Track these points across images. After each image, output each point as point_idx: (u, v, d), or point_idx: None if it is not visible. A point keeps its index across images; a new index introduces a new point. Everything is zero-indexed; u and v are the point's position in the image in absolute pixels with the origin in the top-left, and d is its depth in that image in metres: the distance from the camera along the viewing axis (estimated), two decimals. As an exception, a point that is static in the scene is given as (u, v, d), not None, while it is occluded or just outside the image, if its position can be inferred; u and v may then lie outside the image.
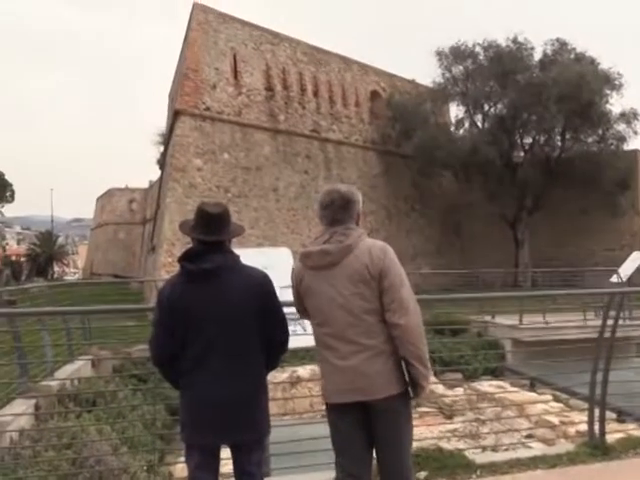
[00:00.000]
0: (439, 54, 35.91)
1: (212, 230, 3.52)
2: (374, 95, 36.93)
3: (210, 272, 3.46)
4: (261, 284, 3.58)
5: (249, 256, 3.96)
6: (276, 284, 4.39)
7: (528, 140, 35.90)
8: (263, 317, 3.54)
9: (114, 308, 7.16)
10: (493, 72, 34.04)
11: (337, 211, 3.54)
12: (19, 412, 7.46)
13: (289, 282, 3.93)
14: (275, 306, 3.64)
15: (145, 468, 6.50)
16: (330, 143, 33.45)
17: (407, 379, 3.44)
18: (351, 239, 3.46)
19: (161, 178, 36.20)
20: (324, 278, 3.48)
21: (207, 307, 3.45)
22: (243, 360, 3.49)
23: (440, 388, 12.28)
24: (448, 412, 12.00)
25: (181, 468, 6.87)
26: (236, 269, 3.55)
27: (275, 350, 3.69)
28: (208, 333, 3.45)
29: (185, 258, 3.54)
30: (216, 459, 3.58)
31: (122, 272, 50.91)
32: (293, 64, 32.34)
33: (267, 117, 30.58)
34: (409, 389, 3.46)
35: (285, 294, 4.23)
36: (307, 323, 5.21)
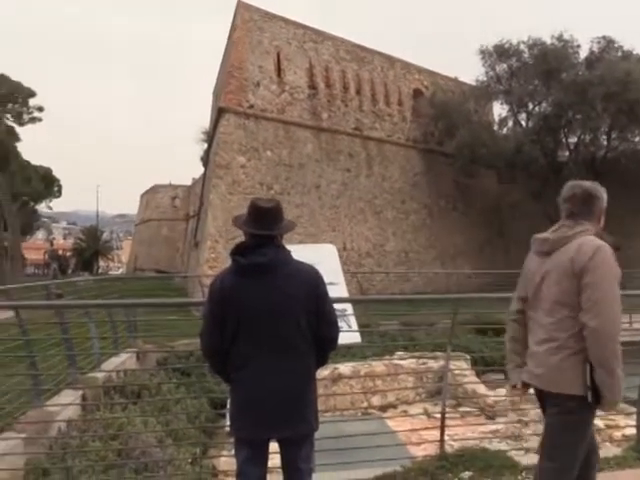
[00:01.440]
0: (483, 52, 35.51)
1: (264, 224, 3.53)
2: (417, 93, 36.73)
3: (262, 266, 3.47)
4: (312, 279, 3.59)
5: (294, 252, 3.98)
6: (322, 280, 4.41)
7: (573, 139, 35.31)
8: (314, 313, 3.54)
9: (159, 302, 7.28)
10: (538, 70, 33.54)
11: (576, 205, 3.57)
12: (67, 402, 7.62)
13: (334, 279, 3.95)
14: (326, 302, 3.64)
15: (189, 461, 6.57)
16: (372, 141, 33.37)
17: (589, 384, 3.32)
18: (572, 232, 3.49)
19: (205, 175, 36.55)
20: (540, 263, 3.61)
21: (258, 301, 3.46)
22: (293, 355, 3.50)
23: (482, 388, 12.15)
24: (490, 413, 11.88)
25: (224, 461, 6.94)
26: (287, 264, 3.56)
27: (325, 346, 3.69)
28: (259, 328, 3.46)
29: (237, 252, 3.55)
30: (265, 453, 3.60)
31: (165, 267, 51.55)
32: (336, 62, 32.34)
33: (310, 115, 30.65)
34: (588, 394, 3.32)
35: (332, 291, 4.25)
36: (352, 320, 5.26)
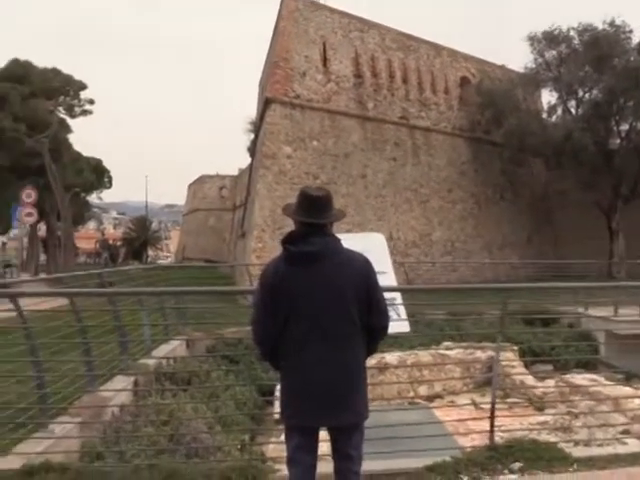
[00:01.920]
0: (531, 39, 34.84)
1: (314, 213, 3.53)
2: (463, 81, 36.29)
3: (312, 255, 3.47)
4: (363, 268, 3.59)
5: (343, 241, 3.99)
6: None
7: (625, 127, 34.40)
8: (364, 301, 3.54)
9: (209, 290, 7.36)
10: (588, 57, 32.79)
11: None
12: (120, 388, 7.80)
13: (383, 268, 3.95)
14: (377, 291, 3.64)
15: (239, 447, 6.67)
16: (419, 130, 33.10)
17: None
18: None
19: (251, 165, 36.78)
20: None
21: (309, 290, 3.46)
22: (344, 344, 3.49)
23: (530, 379, 12.03)
24: (538, 404, 11.76)
25: (272, 448, 7.02)
26: (338, 252, 3.56)
27: (376, 335, 3.69)
28: (310, 316, 3.46)
29: (288, 241, 3.57)
30: (315, 441, 3.63)
31: (212, 257, 52.10)
32: (382, 51, 32.14)
33: (356, 104, 30.55)
34: None
35: (380, 280, 4.25)
36: (401, 309, 5.26)
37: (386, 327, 3.73)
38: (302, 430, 3.58)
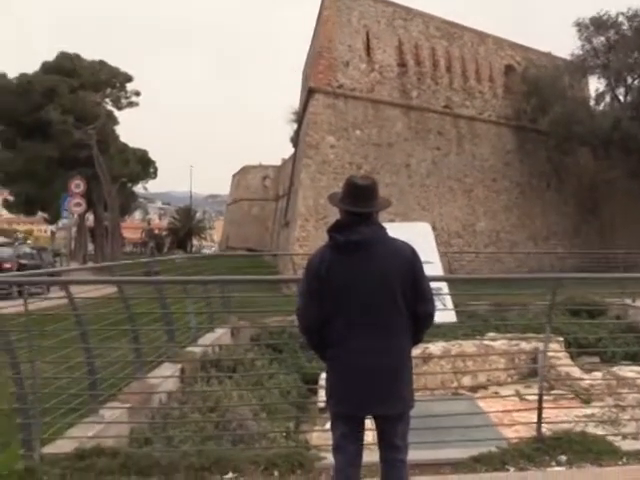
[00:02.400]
0: (579, 25, 34.19)
1: (360, 202, 3.53)
2: (508, 69, 35.74)
3: (358, 244, 3.48)
4: (409, 257, 3.58)
5: (389, 230, 3.98)
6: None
7: (676, 115, 33.58)
8: (411, 289, 3.53)
9: (253, 279, 7.42)
10: (638, 43, 32.03)
11: None
12: (167, 375, 7.94)
13: (429, 257, 3.94)
14: (423, 279, 3.63)
15: (284, 434, 6.74)
16: (463, 119, 32.77)
17: None
18: None
19: (295, 155, 36.89)
20: None
21: (355, 278, 3.47)
22: (390, 333, 3.50)
23: (576, 371, 11.87)
24: (585, 396, 11.60)
25: (317, 436, 7.09)
26: (384, 241, 3.56)
27: (421, 324, 3.68)
28: (356, 305, 3.47)
29: (334, 229, 3.58)
30: (361, 429, 3.64)
31: (255, 246, 52.49)
32: (426, 39, 31.85)
33: (399, 93, 30.39)
34: None
35: (426, 269, 4.24)
36: (447, 299, 5.24)
37: (432, 314, 3.71)
38: (348, 418, 3.59)
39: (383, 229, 3.61)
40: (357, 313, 3.49)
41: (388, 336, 3.50)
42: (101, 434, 5.73)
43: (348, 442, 3.61)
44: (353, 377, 3.50)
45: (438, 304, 5.32)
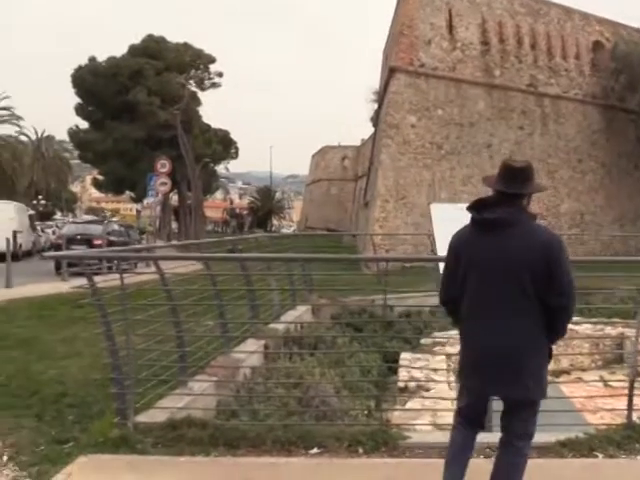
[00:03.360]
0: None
1: (510, 183, 3.54)
2: (596, 46, 34.38)
3: (494, 223, 3.50)
4: (544, 244, 3.48)
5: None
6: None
7: None
8: (541, 276, 3.43)
9: (335, 257, 7.51)
10: None
11: None
12: (251, 350, 8.14)
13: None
14: (558, 268, 3.46)
15: (366, 413, 6.82)
16: (547, 98, 31.85)
17: None
18: None
19: (375, 135, 36.74)
20: None
21: (485, 257, 3.49)
22: (514, 316, 3.45)
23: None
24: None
25: (397, 415, 7.14)
26: (519, 224, 3.51)
27: (555, 314, 3.52)
28: (484, 284, 3.50)
29: (473, 207, 3.63)
30: (484, 404, 3.71)
31: (334, 226, 52.69)
32: (510, 16, 31.05)
33: (482, 72, 29.82)
34: None
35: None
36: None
37: (566, 308, 3.54)
38: (471, 392, 3.64)
39: (524, 212, 3.58)
40: (484, 292, 3.50)
41: (511, 318, 3.46)
42: (190, 405, 5.90)
43: (469, 413, 3.68)
44: (477, 356, 3.54)
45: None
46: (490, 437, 4.47)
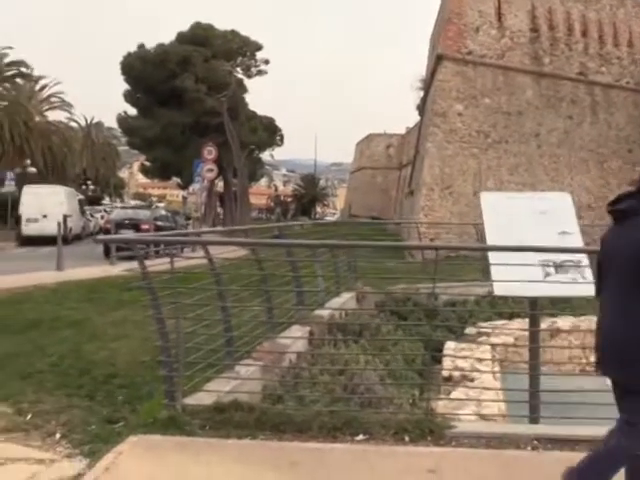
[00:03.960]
0: None
1: None
2: (650, 32, 33.55)
3: (623, 213, 3.53)
4: None
5: (523, 200, 3.93)
6: (553, 229, 4.31)
7: None
8: None
9: (381, 244, 7.47)
10: None
11: None
12: (297, 336, 8.19)
13: (568, 228, 3.86)
14: None
15: (410, 401, 6.81)
16: (598, 86, 31.17)
17: None
18: None
19: (420, 123, 36.47)
20: None
21: (613, 248, 3.54)
22: (623, 305, 3.44)
23: None
24: None
25: (442, 405, 7.10)
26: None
27: None
28: (608, 274, 3.57)
29: (613, 200, 3.69)
30: (617, 393, 3.59)
31: (379, 214, 52.48)
32: (560, 3, 30.44)
33: (531, 60, 29.34)
34: None
35: (565, 241, 4.17)
36: (587, 271, 5.10)
37: None
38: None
39: None
40: (609, 282, 3.55)
41: (620, 308, 3.45)
42: (236, 389, 5.97)
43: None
44: (598, 336, 3.60)
45: (577, 277, 5.21)
46: (538, 429, 4.44)
